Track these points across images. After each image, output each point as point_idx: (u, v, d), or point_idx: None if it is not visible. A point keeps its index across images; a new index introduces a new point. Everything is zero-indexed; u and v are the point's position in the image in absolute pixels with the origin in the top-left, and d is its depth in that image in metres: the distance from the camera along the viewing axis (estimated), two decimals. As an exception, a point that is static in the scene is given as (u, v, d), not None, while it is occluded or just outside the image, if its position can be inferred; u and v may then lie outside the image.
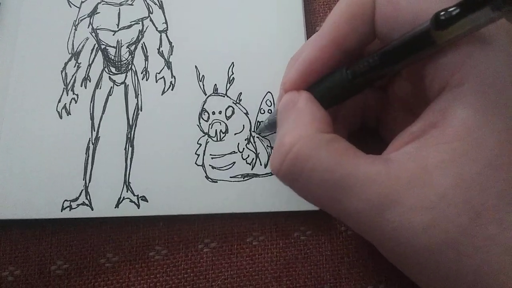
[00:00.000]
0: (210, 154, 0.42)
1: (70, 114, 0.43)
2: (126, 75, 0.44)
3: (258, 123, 0.43)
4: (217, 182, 0.41)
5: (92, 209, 0.40)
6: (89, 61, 0.45)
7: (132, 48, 0.45)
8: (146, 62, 0.45)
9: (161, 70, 0.44)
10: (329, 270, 0.40)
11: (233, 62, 0.45)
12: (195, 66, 0.45)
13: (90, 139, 0.42)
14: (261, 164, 0.42)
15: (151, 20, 0.46)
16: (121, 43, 0.45)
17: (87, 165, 0.41)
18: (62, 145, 0.42)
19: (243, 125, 0.43)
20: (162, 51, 0.45)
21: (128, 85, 0.44)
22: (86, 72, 0.44)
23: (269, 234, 0.41)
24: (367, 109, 0.39)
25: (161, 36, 0.46)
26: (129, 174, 0.41)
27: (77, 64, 0.45)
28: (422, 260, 0.26)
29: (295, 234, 0.41)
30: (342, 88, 0.32)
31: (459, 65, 0.26)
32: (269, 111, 0.43)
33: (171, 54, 0.45)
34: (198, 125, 0.43)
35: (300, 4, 0.46)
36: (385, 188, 0.26)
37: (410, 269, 0.29)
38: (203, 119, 0.43)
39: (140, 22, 0.46)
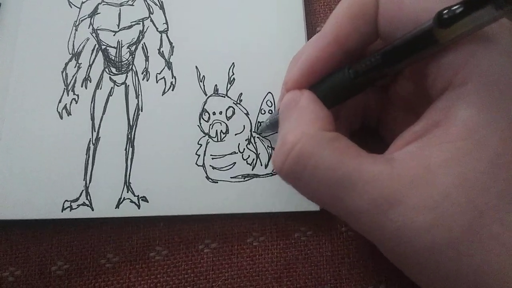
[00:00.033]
0: (211, 155, 0.42)
1: (71, 115, 0.43)
2: (126, 76, 0.44)
3: (259, 124, 0.43)
4: (217, 182, 0.41)
5: (93, 210, 0.40)
6: (89, 62, 0.45)
7: (133, 48, 0.45)
8: (147, 62, 0.45)
9: (161, 71, 0.44)
10: (329, 271, 0.40)
11: (233, 63, 0.44)
12: (196, 67, 0.44)
13: (91, 139, 0.42)
14: (261, 165, 0.42)
15: (151, 20, 0.46)
16: (121, 44, 0.45)
17: (87, 165, 0.41)
18: (62, 146, 0.42)
19: (244, 126, 0.43)
20: (162, 51, 0.45)
21: (128, 85, 0.44)
22: (86, 72, 0.44)
23: (269, 235, 0.41)
24: (367, 109, 0.39)
25: (161, 36, 0.45)
26: (129, 175, 0.41)
27: (77, 65, 0.44)
28: (424, 260, 0.26)
29: (295, 234, 0.41)
30: (344, 87, 0.32)
31: (462, 64, 0.26)
32: (270, 112, 0.43)
33: (172, 55, 0.45)
34: (198, 126, 0.43)
35: (301, 5, 0.46)
36: (387, 187, 0.26)
37: (411, 269, 0.28)
38: (203, 119, 0.43)
39: (141, 23, 0.46)
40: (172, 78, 0.44)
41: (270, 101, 0.43)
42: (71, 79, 0.44)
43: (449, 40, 0.26)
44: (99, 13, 0.46)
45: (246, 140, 0.42)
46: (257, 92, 0.44)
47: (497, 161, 0.25)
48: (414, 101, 0.35)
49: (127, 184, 0.41)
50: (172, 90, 0.44)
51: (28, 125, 0.42)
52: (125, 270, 0.40)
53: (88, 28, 0.46)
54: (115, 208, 0.40)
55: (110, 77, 0.44)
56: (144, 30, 0.46)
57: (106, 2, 0.46)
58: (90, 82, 0.44)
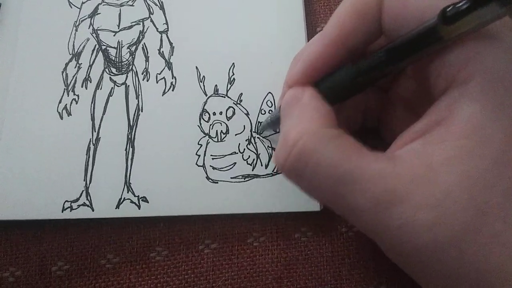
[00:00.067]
0: (211, 155, 0.42)
1: (71, 115, 0.42)
2: (126, 76, 0.44)
3: (259, 124, 0.43)
4: (217, 182, 0.41)
5: (93, 210, 0.40)
6: (89, 62, 0.44)
7: (133, 48, 0.45)
8: (147, 62, 0.44)
9: (161, 71, 0.44)
10: (329, 271, 0.39)
11: (233, 63, 0.44)
12: (196, 67, 0.44)
13: (91, 139, 0.42)
14: (262, 165, 0.42)
15: (151, 20, 0.46)
16: (121, 44, 0.45)
17: (87, 165, 0.41)
18: (62, 146, 0.41)
19: (244, 126, 0.43)
20: (162, 51, 0.45)
21: (128, 85, 0.43)
22: (86, 72, 0.44)
23: (269, 235, 0.40)
24: (368, 110, 0.39)
25: (161, 36, 0.45)
26: (129, 175, 0.41)
27: (77, 65, 0.44)
28: (425, 258, 0.26)
29: (295, 235, 0.40)
30: (347, 85, 0.31)
31: (466, 62, 0.26)
32: (270, 112, 0.43)
33: (172, 55, 0.44)
34: (198, 126, 0.42)
35: (301, 5, 0.46)
36: (390, 185, 0.26)
37: (412, 267, 0.28)
38: (203, 119, 0.43)
39: (141, 23, 0.46)
40: (172, 78, 0.44)
41: (271, 101, 0.43)
42: (71, 80, 0.44)
43: (453, 37, 0.25)
44: (99, 13, 0.46)
45: (246, 140, 0.42)
46: (257, 92, 0.43)
47: (501, 159, 0.25)
48: (415, 101, 0.35)
49: (127, 184, 0.40)
50: (172, 90, 0.43)
51: (28, 125, 0.42)
52: (125, 271, 0.39)
53: (88, 28, 0.45)
54: (115, 208, 0.40)
55: (110, 77, 0.44)
56: (144, 31, 0.45)
57: (106, 3, 0.46)
58: (90, 82, 0.44)
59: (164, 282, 0.39)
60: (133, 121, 0.42)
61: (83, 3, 0.46)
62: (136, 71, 0.44)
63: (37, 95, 0.43)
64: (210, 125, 0.42)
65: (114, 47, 0.45)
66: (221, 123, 0.42)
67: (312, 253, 0.40)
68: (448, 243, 0.24)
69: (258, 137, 0.42)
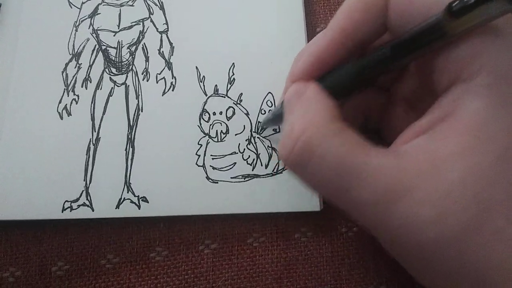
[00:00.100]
0: (211, 155, 0.41)
1: (71, 115, 0.42)
2: (126, 76, 0.43)
3: (259, 124, 0.42)
4: (217, 182, 0.41)
5: (93, 210, 0.39)
6: (89, 62, 0.44)
7: (133, 48, 0.44)
8: (147, 62, 0.44)
9: (161, 71, 0.44)
10: (329, 272, 0.39)
11: (233, 63, 0.44)
12: (196, 67, 0.44)
13: (91, 139, 0.41)
14: (262, 165, 0.41)
15: (151, 21, 0.45)
16: (121, 44, 0.44)
17: (87, 165, 0.41)
18: (62, 146, 0.41)
19: (244, 126, 0.42)
20: (162, 51, 0.44)
21: (128, 85, 0.43)
22: (86, 73, 0.43)
23: (269, 235, 0.40)
24: (369, 110, 0.39)
25: (161, 36, 0.45)
26: (129, 175, 0.40)
27: (77, 65, 0.44)
28: (428, 254, 0.25)
29: (295, 235, 0.40)
30: (350, 80, 0.31)
31: (471, 58, 0.26)
32: (270, 112, 0.42)
33: (172, 55, 0.44)
34: (198, 126, 0.42)
35: (301, 5, 0.46)
36: (394, 180, 0.26)
37: (413, 263, 0.28)
38: (203, 119, 0.42)
39: (141, 23, 0.45)
40: (172, 78, 0.43)
41: (270, 101, 0.43)
42: (71, 80, 0.43)
43: (458, 33, 0.25)
44: (99, 13, 0.45)
45: (246, 140, 0.42)
46: (257, 92, 0.43)
47: (504, 156, 0.24)
48: (417, 99, 0.34)
49: (127, 184, 0.40)
50: (172, 90, 0.43)
51: (29, 125, 0.42)
52: (125, 271, 0.39)
53: (88, 28, 0.45)
54: (115, 208, 0.40)
55: (110, 77, 0.43)
56: (144, 31, 0.45)
57: (106, 3, 0.46)
58: (90, 82, 0.43)
59: (164, 282, 0.39)
60: (133, 121, 0.42)
61: (83, 3, 0.46)
62: (136, 71, 0.44)
63: (37, 95, 0.43)
64: (210, 125, 0.42)
65: (114, 47, 0.44)
66: (221, 123, 0.42)
67: (312, 253, 0.40)
68: (451, 239, 0.24)
69: (258, 137, 0.42)
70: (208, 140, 0.42)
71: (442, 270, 0.25)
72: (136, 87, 0.43)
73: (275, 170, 0.41)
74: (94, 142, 0.41)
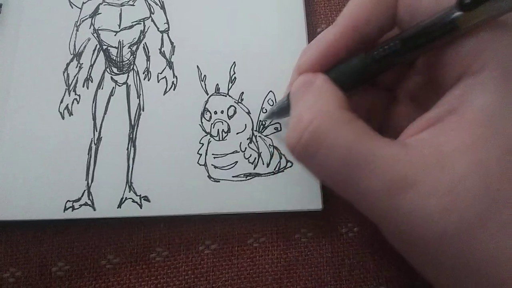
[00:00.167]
0: (212, 154, 0.40)
1: (72, 115, 0.41)
2: (128, 75, 0.42)
3: (260, 122, 0.41)
4: (219, 181, 0.40)
5: (95, 210, 0.38)
6: (91, 62, 0.43)
7: (134, 48, 0.43)
8: (148, 62, 0.43)
9: (163, 70, 0.43)
10: (329, 272, 0.38)
11: (234, 62, 0.43)
12: (197, 66, 0.43)
13: (92, 139, 0.40)
14: (263, 163, 0.40)
15: (152, 20, 0.44)
16: (122, 44, 0.43)
17: (89, 165, 0.40)
18: (64, 146, 0.40)
19: (245, 125, 0.41)
20: (163, 51, 0.43)
21: (130, 85, 0.42)
22: (88, 72, 0.42)
23: (270, 236, 0.39)
24: (372, 109, 0.37)
25: (162, 36, 0.44)
26: (131, 174, 0.39)
27: (79, 65, 0.43)
28: (434, 246, 0.25)
29: (296, 236, 0.39)
30: (359, 73, 0.31)
31: (480, 52, 0.25)
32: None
33: (173, 54, 0.43)
34: (200, 125, 0.41)
35: (301, 4, 0.45)
36: (402, 170, 0.25)
37: (419, 255, 0.27)
38: (205, 118, 0.41)
39: (142, 23, 0.44)
40: (174, 77, 0.42)
41: (272, 100, 0.42)
42: (73, 79, 0.42)
43: (468, 27, 0.25)
44: (100, 13, 0.44)
45: (247, 139, 0.41)
46: (259, 91, 0.42)
47: None
48: (422, 96, 0.34)
49: (129, 183, 0.39)
50: (174, 89, 0.42)
51: (30, 125, 0.41)
52: (125, 271, 0.38)
53: (89, 28, 0.44)
54: (117, 208, 0.39)
55: (111, 77, 0.42)
56: (145, 30, 0.44)
57: (107, 2, 0.45)
58: (92, 82, 0.42)
59: (164, 282, 0.38)
60: (134, 120, 0.41)
61: (83, 3, 0.45)
62: (137, 70, 0.43)
63: (39, 95, 0.42)
64: (212, 124, 0.41)
65: (115, 47, 0.43)
66: (222, 122, 0.41)
67: (312, 254, 0.39)
68: (458, 230, 0.24)
69: (259, 136, 0.41)
70: (209, 139, 0.41)
71: (449, 261, 0.25)
72: (137, 87, 0.42)
73: (276, 169, 0.40)
74: (95, 141, 0.40)
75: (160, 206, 0.39)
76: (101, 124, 0.41)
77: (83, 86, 0.42)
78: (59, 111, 0.41)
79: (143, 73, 0.42)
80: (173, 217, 0.39)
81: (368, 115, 0.37)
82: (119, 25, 0.44)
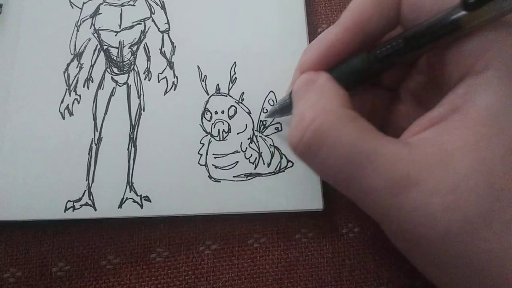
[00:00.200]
0: (213, 154, 0.40)
1: (73, 115, 0.41)
2: (128, 76, 0.42)
3: (261, 123, 0.41)
4: (220, 181, 0.39)
5: (95, 210, 0.38)
6: (91, 62, 0.42)
7: (134, 48, 0.43)
8: (148, 62, 0.42)
9: (163, 70, 0.42)
10: (330, 273, 0.38)
11: (235, 62, 0.42)
12: (198, 66, 0.42)
13: (93, 139, 0.40)
14: (264, 163, 0.40)
15: (153, 20, 0.44)
16: (123, 44, 0.43)
17: (90, 165, 0.39)
18: (64, 146, 0.40)
19: (246, 125, 0.41)
20: (164, 51, 0.43)
21: (130, 85, 0.42)
22: (88, 72, 0.42)
23: (270, 236, 0.39)
24: (373, 110, 0.37)
25: (163, 36, 0.43)
26: (132, 174, 0.39)
27: (79, 65, 0.42)
28: (437, 244, 0.24)
29: (296, 236, 0.39)
30: (361, 72, 0.30)
31: (483, 51, 0.25)
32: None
33: (173, 54, 0.42)
34: (200, 125, 0.40)
35: (302, 4, 0.44)
36: (405, 168, 0.25)
37: (421, 254, 0.27)
38: (205, 118, 0.41)
39: (142, 23, 0.44)
40: (174, 77, 0.42)
41: (272, 100, 0.41)
42: (73, 80, 0.42)
43: (472, 27, 0.25)
44: (100, 13, 0.44)
45: (248, 139, 0.40)
46: (259, 91, 0.41)
47: None
48: (425, 96, 0.33)
49: (130, 184, 0.39)
50: (174, 89, 0.41)
51: (30, 125, 0.40)
52: (125, 272, 0.38)
53: (90, 28, 0.43)
54: (118, 208, 0.38)
55: (112, 77, 0.42)
56: (146, 30, 0.43)
57: (108, 3, 0.44)
58: (92, 82, 0.42)
59: (164, 283, 0.37)
60: (135, 120, 0.40)
61: (84, 3, 0.44)
62: (138, 70, 0.42)
63: (39, 95, 0.41)
64: (212, 124, 0.40)
65: (115, 47, 0.43)
66: (223, 122, 0.41)
67: (312, 254, 0.38)
68: (461, 230, 0.23)
69: (260, 136, 0.41)
70: (210, 139, 0.40)
71: (451, 259, 0.24)
72: (138, 87, 0.41)
73: (277, 169, 0.39)
74: (96, 141, 0.40)
75: (160, 206, 0.38)
76: (102, 124, 0.40)
77: (84, 86, 0.41)
78: (59, 111, 0.41)
79: (144, 73, 0.42)
80: (174, 217, 0.38)
81: (369, 115, 0.37)
82: (120, 25, 0.43)
